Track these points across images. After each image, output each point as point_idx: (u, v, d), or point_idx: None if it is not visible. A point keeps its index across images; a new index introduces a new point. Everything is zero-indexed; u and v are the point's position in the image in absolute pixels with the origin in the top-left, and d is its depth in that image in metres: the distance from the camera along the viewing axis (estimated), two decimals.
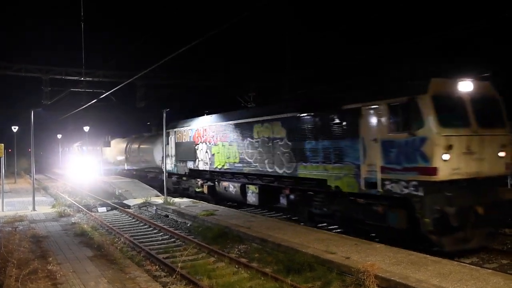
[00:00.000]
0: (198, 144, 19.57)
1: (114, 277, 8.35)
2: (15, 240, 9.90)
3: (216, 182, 18.67)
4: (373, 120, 10.82)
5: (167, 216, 16.89)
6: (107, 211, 18.88)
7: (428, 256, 9.00)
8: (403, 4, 16.93)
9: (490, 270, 7.83)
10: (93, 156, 38.20)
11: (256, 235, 11.43)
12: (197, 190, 20.06)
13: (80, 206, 18.80)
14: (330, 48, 23.46)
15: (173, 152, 22.10)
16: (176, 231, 13.62)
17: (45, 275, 8.29)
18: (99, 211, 18.66)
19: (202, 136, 19.19)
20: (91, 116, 37.52)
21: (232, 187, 17.36)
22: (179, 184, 22.44)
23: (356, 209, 11.42)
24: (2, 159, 18.45)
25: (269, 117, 14.84)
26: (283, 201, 14.59)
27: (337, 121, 11.94)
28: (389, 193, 10.37)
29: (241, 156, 16.32)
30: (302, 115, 13.31)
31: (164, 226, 14.55)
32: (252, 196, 16.12)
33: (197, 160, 19.68)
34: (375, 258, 8.73)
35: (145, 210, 19.00)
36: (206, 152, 18.80)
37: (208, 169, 18.81)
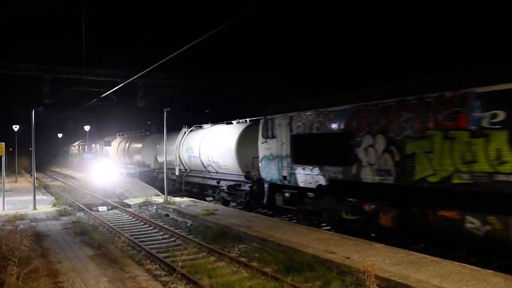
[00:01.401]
0: (359, 136, 11.25)
1: (114, 276, 8.37)
2: (16, 239, 9.92)
3: (415, 209, 10.05)
4: None
5: (167, 215, 16.91)
6: (108, 210, 18.91)
7: (428, 256, 9.00)
8: (403, 4, 16.92)
9: (490, 271, 7.81)
10: (107, 157, 34.08)
11: (256, 235, 11.44)
12: (348, 217, 11.85)
13: (81, 205, 18.83)
14: (330, 48, 23.46)
15: (285, 152, 13.97)
16: (176, 231, 13.64)
17: (45, 274, 8.33)
18: (99, 210, 18.70)
19: (373, 120, 10.89)
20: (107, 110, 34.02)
21: (480, 223, 8.63)
22: (298, 203, 13.78)
23: None
24: (3, 158, 18.48)
25: None
26: None
27: None
28: None
29: None
30: None
31: (164, 226, 14.57)
32: None
33: (354, 164, 11.37)
34: (375, 258, 8.74)
35: (146, 209, 19.02)
36: (388, 150, 10.44)
37: (390, 181, 10.38)
